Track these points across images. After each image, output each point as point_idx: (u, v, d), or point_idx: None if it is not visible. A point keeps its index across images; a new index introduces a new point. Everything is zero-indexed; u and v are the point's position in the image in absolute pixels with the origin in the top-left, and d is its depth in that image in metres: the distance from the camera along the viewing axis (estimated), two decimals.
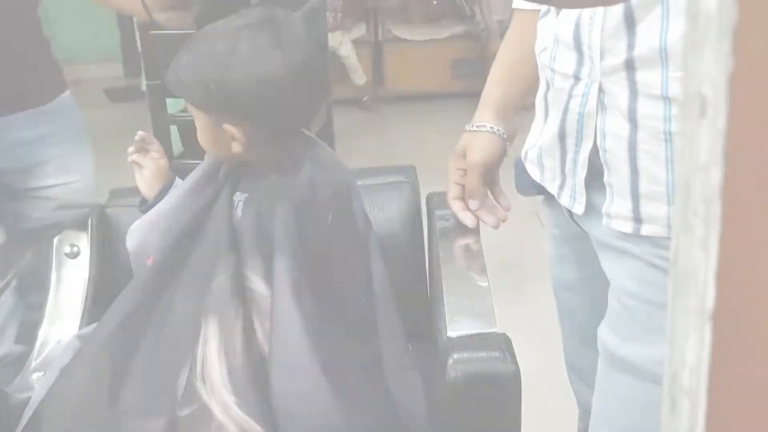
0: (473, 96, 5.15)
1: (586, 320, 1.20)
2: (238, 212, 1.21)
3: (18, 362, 1.54)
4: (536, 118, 1.19)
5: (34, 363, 1.40)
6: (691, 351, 0.39)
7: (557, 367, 2.36)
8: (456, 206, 1.32)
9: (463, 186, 1.32)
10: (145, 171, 1.36)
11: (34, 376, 1.35)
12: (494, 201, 1.35)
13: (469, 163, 1.29)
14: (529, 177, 1.21)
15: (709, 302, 0.36)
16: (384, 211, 1.48)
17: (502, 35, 1.48)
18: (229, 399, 1.06)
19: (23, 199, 1.67)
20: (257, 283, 1.14)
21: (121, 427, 1.10)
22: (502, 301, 2.88)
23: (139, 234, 1.30)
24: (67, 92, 1.72)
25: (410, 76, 5.20)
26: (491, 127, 1.28)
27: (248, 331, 1.12)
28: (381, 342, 1.20)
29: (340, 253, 1.20)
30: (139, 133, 1.37)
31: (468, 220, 1.31)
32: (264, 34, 1.12)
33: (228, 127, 1.15)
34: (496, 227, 1.35)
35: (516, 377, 1.03)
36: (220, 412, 1.06)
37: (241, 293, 1.13)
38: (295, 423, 1.08)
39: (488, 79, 1.33)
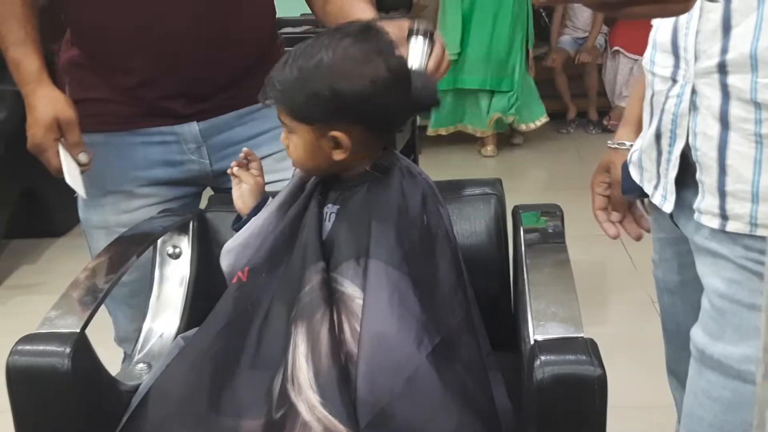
0: (562, 117, 5.20)
1: (686, 324, 1.23)
2: (329, 224, 1.26)
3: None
4: (643, 123, 1.24)
5: (137, 355, 1.48)
6: None
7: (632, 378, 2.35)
8: (600, 217, 1.43)
9: (607, 197, 1.42)
10: (244, 186, 1.41)
11: (138, 366, 1.43)
12: (642, 211, 1.43)
13: (613, 178, 1.39)
14: (633, 180, 1.28)
15: None
16: (471, 223, 1.51)
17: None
18: (315, 399, 1.10)
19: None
20: (347, 286, 1.19)
21: (218, 428, 1.16)
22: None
23: (233, 255, 1.35)
24: None
25: None
26: (630, 145, 1.35)
27: (334, 332, 1.16)
28: (470, 341, 1.23)
29: (433, 257, 1.24)
30: (244, 149, 1.43)
31: (611, 230, 1.42)
32: (365, 44, 1.20)
33: (336, 134, 1.20)
34: (638, 239, 1.44)
35: (603, 381, 1.05)
36: (306, 411, 1.10)
37: (329, 297, 1.18)
38: (382, 420, 1.11)
39: (630, 95, 1.43)
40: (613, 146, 1.41)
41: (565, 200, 4.37)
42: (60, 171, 1.51)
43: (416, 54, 1.25)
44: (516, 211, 1.53)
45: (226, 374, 1.21)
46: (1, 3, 1.54)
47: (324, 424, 1.09)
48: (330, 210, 1.27)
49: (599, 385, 1.05)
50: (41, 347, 1.14)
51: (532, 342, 1.10)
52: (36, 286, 3.29)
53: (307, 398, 1.11)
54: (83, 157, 1.54)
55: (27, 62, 1.54)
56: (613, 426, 2.23)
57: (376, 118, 1.23)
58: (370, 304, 1.16)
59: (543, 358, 1.06)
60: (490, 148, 5.01)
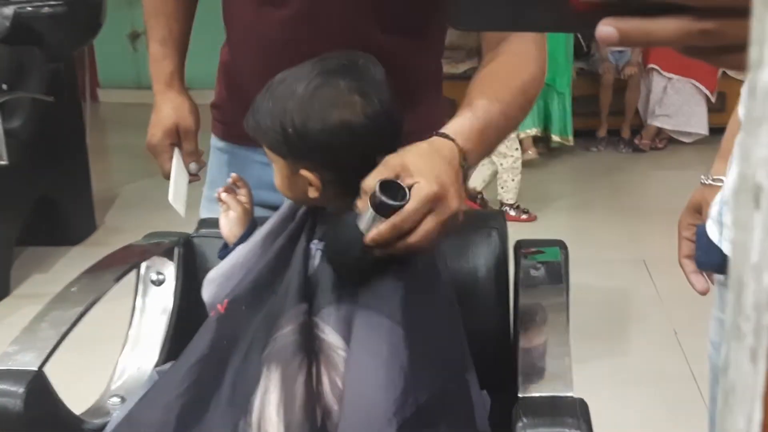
0: (591, 135, 5.14)
1: None
2: (315, 261, 1.18)
3: None
4: (728, 165, 1.10)
5: (112, 387, 1.42)
6: None
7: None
8: (687, 267, 1.22)
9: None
10: (231, 213, 1.35)
11: (111, 401, 1.37)
12: None
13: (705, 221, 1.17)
14: (712, 245, 1.09)
15: (755, 428, 0.32)
16: (469, 260, 1.43)
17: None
18: None
19: None
20: (329, 334, 1.10)
21: None
22: (598, 350, 2.79)
23: (215, 285, 1.29)
24: None
25: None
26: None
27: (311, 385, 1.08)
28: (463, 400, 1.13)
29: (430, 305, 1.15)
30: (232, 174, 1.37)
31: (699, 284, 1.20)
32: (344, 80, 1.11)
33: (305, 173, 1.13)
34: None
35: None
36: None
37: (308, 344, 1.10)
38: None
39: (728, 127, 1.22)
40: (707, 182, 1.20)
41: (593, 222, 4.34)
42: (169, 175, 1.55)
43: (363, 220, 1.07)
44: (518, 247, 1.44)
45: (193, 413, 1.13)
46: None
47: None
48: (316, 246, 1.19)
49: None
50: None
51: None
52: (46, 296, 3.24)
53: None
54: (193, 167, 1.58)
55: (164, 63, 1.57)
56: None
57: (344, 166, 1.13)
58: (356, 358, 1.07)
59: (525, 419, 0.99)
60: (531, 151, 4.91)
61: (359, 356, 1.07)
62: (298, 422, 1.05)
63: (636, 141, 5.21)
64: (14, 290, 3.40)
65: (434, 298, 1.15)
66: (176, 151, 1.56)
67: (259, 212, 1.61)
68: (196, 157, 1.58)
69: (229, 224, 1.35)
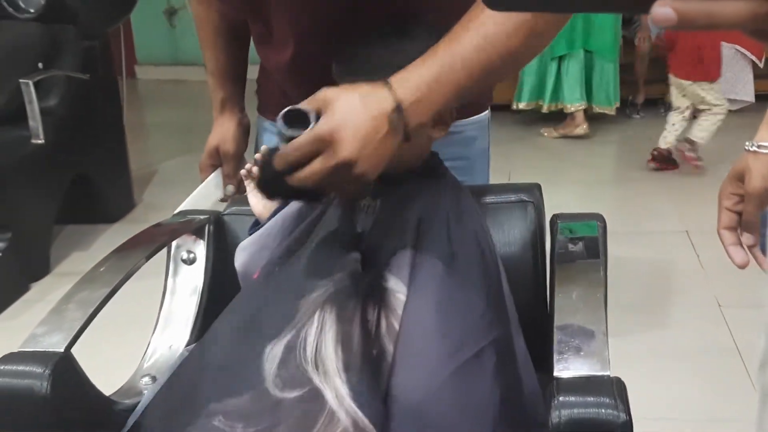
0: (627, 104, 5.00)
1: None
2: (367, 216, 1.18)
3: None
4: None
5: (145, 366, 1.41)
6: None
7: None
8: (727, 239, 1.16)
9: (737, 214, 1.16)
10: None
11: (143, 380, 1.36)
12: None
13: (747, 190, 1.13)
14: None
15: None
16: (504, 233, 1.39)
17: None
18: (344, 390, 1.02)
19: None
20: (390, 280, 1.11)
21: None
22: (640, 323, 2.74)
23: (248, 253, 1.28)
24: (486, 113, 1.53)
25: None
26: None
27: (367, 327, 1.08)
28: (511, 355, 1.14)
29: (481, 260, 1.16)
30: (262, 147, 1.34)
31: (738, 257, 1.15)
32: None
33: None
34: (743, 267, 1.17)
35: (627, 427, 0.94)
36: (332, 399, 1.02)
37: (363, 289, 1.11)
38: (413, 421, 1.03)
39: None
40: (751, 149, 1.14)
41: (634, 192, 4.25)
42: None
43: None
44: (554, 220, 1.40)
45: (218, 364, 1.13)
46: (199, 29, 1.61)
47: (352, 417, 1.00)
48: (367, 203, 1.19)
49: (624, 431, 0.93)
50: (20, 368, 1.07)
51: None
52: None
53: (335, 386, 1.03)
54: (230, 189, 1.63)
55: (215, 93, 1.63)
56: None
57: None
58: (414, 302, 1.09)
59: (560, 398, 0.95)
60: (584, 126, 4.85)
61: (417, 301, 1.09)
62: (357, 363, 1.05)
63: None
64: (54, 268, 3.43)
65: (485, 256, 1.17)
66: (216, 172, 1.63)
67: None
68: (233, 181, 1.62)
69: (259, 201, 1.33)
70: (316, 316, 1.09)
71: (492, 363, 1.09)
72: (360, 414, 1.01)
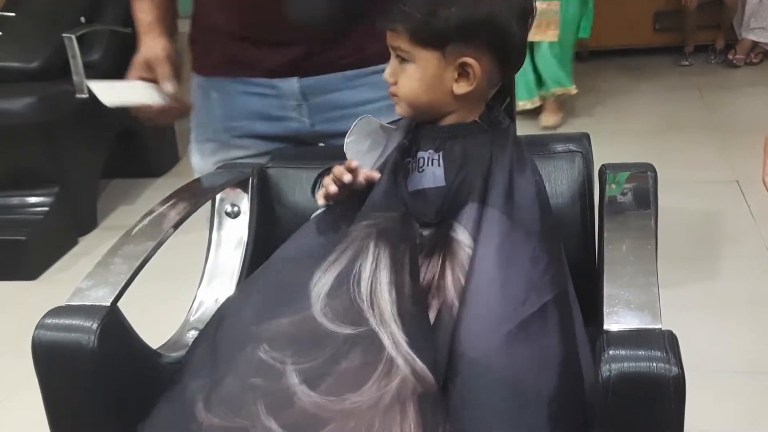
0: (675, 51, 4.89)
1: None
2: (431, 168, 1.17)
3: None
4: None
5: (191, 319, 1.42)
6: None
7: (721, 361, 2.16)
8: None
9: None
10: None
11: (190, 333, 1.37)
12: None
13: None
14: None
15: None
16: (552, 184, 1.36)
17: None
18: (400, 336, 1.02)
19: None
20: (459, 232, 1.11)
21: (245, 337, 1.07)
22: (684, 274, 2.69)
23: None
24: None
25: (608, 30, 4.96)
26: None
27: (416, 276, 1.09)
28: (571, 309, 1.14)
29: (543, 216, 1.16)
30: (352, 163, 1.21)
31: None
32: None
33: (468, 60, 1.13)
34: None
35: (680, 382, 0.91)
36: (390, 345, 1.01)
37: (408, 236, 1.11)
38: (478, 372, 1.02)
39: None
40: None
41: (683, 140, 4.16)
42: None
43: None
44: (603, 171, 1.37)
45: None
46: None
47: (411, 366, 1.00)
48: (430, 156, 1.18)
49: (675, 387, 0.91)
50: (68, 321, 1.08)
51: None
52: None
53: (392, 332, 1.02)
54: (169, 87, 1.53)
55: (142, 16, 1.60)
56: (721, 391, 2.08)
57: (507, 48, 1.16)
58: (480, 254, 1.08)
59: (611, 352, 0.93)
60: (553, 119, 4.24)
61: (483, 255, 1.08)
62: (409, 308, 1.05)
63: (729, 56, 4.97)
64: (101, 222, 3.47)
65: (545, 213, 1.17)
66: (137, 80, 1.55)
67: (251, 144, 1.62)
68: (169, 80, 1.53)
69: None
70: (371, 250, 1.09)
71: (555, 318, 1.08)
72: (418, 362, 1.00)
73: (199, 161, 1.70)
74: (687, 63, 5.07)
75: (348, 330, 1.02)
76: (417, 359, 1.00)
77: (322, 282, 1.07)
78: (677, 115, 4.35)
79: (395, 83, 1.19)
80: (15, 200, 3.21)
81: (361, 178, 1.18)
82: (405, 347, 1.00)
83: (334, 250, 1.11)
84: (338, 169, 1.17)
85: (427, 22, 1.12)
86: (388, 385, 0.98)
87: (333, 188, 1.18)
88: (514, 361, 1.03)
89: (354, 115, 1.30)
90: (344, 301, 1.05)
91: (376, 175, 1.18)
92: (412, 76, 1.16)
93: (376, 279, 1.06)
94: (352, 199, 1.19)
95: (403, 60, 1.17)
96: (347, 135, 1.26)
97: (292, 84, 1.57)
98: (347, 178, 1.16)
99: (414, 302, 1.06)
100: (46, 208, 3.18)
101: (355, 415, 0.97)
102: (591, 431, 1.01)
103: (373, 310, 1.04)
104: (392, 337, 1.01)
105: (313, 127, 1.61)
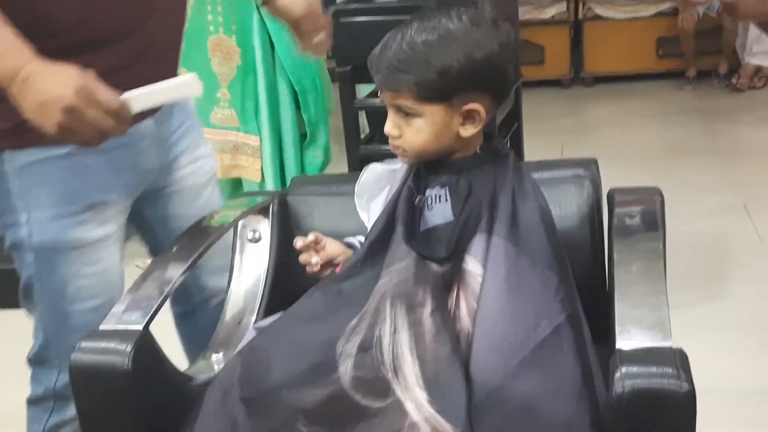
0: (679, 76, 4.90)
1: None
2: (439, 204, 1.21)
3: None
4: None
5: (215, 342, 1.46)
6: None
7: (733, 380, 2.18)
8: None
9: None
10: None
11: (214, 357, 1.41)
12: None
13: None
14: None
15: None
16: (561, 208, 1.40)
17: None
18: (422, 396, 1.06)
19: (170, 196, 1.55)
20: (470, 263, 1.15)
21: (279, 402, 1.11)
22: (693, 295, 2.72)
23: None
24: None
25: (611, 55, 5.02)
26: None
27: (438, 314, 1.12)
28: (582, 331, 1.17)
29: (547, 241, 1.19)
30: (313, 235, 1.31)
31: None
32: (476, 16, 1.19)
33: (473, 106, 1.17)
34: None
35: (690, 398, 0.96)
36: (413, 410, 1.05)
37: (425, 277, 1.14)
38: (495, 401, 1.06)
39: None
40: None
41: (689, 164, 4.19)
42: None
43: None
44: (611, 195, 1.42)
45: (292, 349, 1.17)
46: None
47: (432, 424, 1.04)
48: (437, 192, 1.22)
49: (686, 403, 0.96)
50: (103, 344, 1.13)
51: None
52: None
53: (416, 397, 1.06)
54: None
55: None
56: (728, 411, 2.11)
57: (501, 85, 1.21)
58: (488, 283, 1.13)
59: (624, 369, 0.97)
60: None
61: (491, 283, 1.13)
62: (431, 355, 1.09)
63: (733, 80, 5.02)
64: None
65: (549, 237, 1.20)
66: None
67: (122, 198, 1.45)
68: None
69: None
70: (387, 312, 1.13)
71: (570, 338, 1.12)
72: (440, 419, 1.04)
73: (75, 234, 1.41)
74: (690, 87, 5.12)
75: (377, 403, 1.07)
76: (440, 418, 1.04)
77: (347, 352, 1.11)
78: (681, 140, 4.39)
79: (399, 136, 1.21)
80: None
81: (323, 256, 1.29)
82: (427, 408, 1.05)
83: (353, 315, 1.14)
84: (303, 258, 1.29)
85: (431, 80, 1.15)
86: None
87: (317, 268, 1.29)
88: (529, 388, 1.06)
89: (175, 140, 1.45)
90: (370, 372, 1.09)
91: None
92: (420, 129, 1.19)
93: (397, 343, 1.10)
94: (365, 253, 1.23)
95: (407, 114, 1.19)
96: (356, 184, 1.35)
97: (148, 125, 1.44)
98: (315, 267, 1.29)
99: (436, 346, 1.09)
100: None
101: None
102: None
103: (397, 377, 1.08)
104: (416, 401, 1.06)
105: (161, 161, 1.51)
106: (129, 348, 1.11)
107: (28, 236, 1.38)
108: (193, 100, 1.59)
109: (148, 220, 1.56)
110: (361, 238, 1.31)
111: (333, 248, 1.31)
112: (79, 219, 1.38)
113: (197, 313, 1.62)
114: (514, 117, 2.87)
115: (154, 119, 1.44)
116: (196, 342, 1.54)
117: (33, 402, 1.50)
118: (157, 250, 1.55)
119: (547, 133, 4.24)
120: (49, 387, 1.46)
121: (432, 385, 1.07)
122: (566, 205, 1.42)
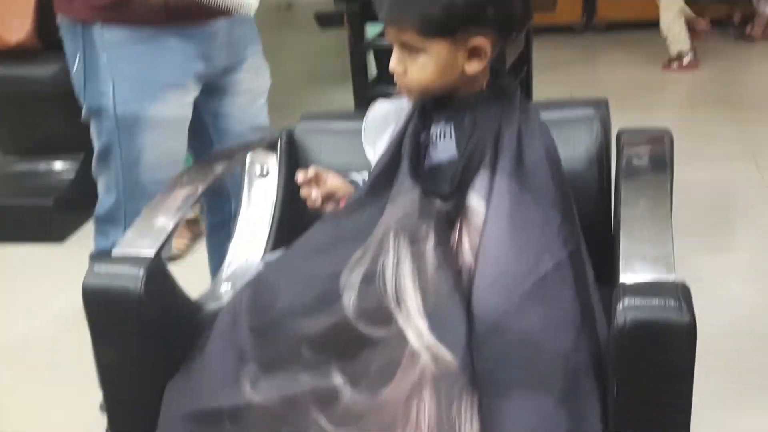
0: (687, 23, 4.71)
1: None
2: (443, 141, 1.21)
3: None
4: None
5: (224, 274, 1.48)
6: None
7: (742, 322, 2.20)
8: None
9: None
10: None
11: (222, 287, 1.43)
12: None
13: None
14: None
15: None
16: (571, 147, 1.40)
17: None
18: (423, 325, 1.08)
19: (227, 95, 1.81)
20: (474, 199, 1.15)
21: (284, 330, 1.14)
22: (698, 245, 2.73)
23: None
24: None
25: (624, 2, 4.96)
26: None
27: (442, 246, 1.13)
28: (584, 267, 1.18)
29: (552, 179, 1.19)
30: (312, 170, 1.32)
31: None
32: None
33: (478, 42, 1.16)
34: None
35: (692, 330, 0.97)
36: (414, 339, 1.08)
37: (445, 210, 1.15)
38: (496, 333, 1.08)
39: None
40: None
41: (699, 114, 4.16)
42: None
43: None
44: (620, 135, 1.42)
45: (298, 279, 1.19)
46: None
47: (432, 352, 1.06)
48: (442, 128, 1.22)
49: (688, 335, 0.97)
50: (116, 269, 1.14)
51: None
52: None
53: (417, 326, 1.08)
54: None
55: None
56: (733, 355, 2.13)
57: (507, 20, 1.18)
58: (491, 219, 1.13)
59: (626, 301, 0.99)
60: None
61: (494, 218, 1.13)
62: (433, 288, 1.10)
63: (747, 30, 4.97)
64: None
65: (555, 176, 1.19)
66: None
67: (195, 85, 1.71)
68: None
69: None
70: (390, 245, 1.14)
71: (571, 275, 1.13)
72: (441, 347, 1.06)
73: (158, 110, 1.70)
74: (702, 39, 5.07)
75: (380, 332, 1.10)
76: (440, 345, 1.06)
77: (350, 283, 1.13)
78: (692, 88, 4.37)
79: (404, 73, 1.20)
80: (42, 166, 3.26)
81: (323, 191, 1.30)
82: (427, 337, 1.07)
83: (357, 247, 1.16)
84: (304, 192, 1.30)
85: (435, 15, 1.14)
86: (410, 377, 1.06)
87: (318, 202, 1.30)
88: (530, 322, 1.08)
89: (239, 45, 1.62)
90: (373, 302, 1.11)
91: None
92: (424, 65, 1.18)
93: (399, 274, 1.12)
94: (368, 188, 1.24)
95: (411, 51, 1.18)
96: (363, 120, 1.35)
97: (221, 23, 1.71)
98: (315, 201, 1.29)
99: (437, 279, 1.10)
100: (72, 174, 3.24)
101: (384, 408, 1.06)
102: (606, 383, 1.06)
103: (400, 307, 1.10)
104: (417, 330, 1.08)
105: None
106: (141, 273, 1.12)
107: (112, 105, 1.64)
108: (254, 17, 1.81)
109: (201, 113, 1.77)
110: (365, 174, 1.32)
111: (333, 182, 1.32)
112: (160, 96, 1.64)
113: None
114: (524, 60, 2.85)
115: (228, 21, 1.70)
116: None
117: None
118: (199, 147, 1.79)
119: (558, 81, 4.23)
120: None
121: (433, 316, 1.08)
122: (575, 146, 1.42)
